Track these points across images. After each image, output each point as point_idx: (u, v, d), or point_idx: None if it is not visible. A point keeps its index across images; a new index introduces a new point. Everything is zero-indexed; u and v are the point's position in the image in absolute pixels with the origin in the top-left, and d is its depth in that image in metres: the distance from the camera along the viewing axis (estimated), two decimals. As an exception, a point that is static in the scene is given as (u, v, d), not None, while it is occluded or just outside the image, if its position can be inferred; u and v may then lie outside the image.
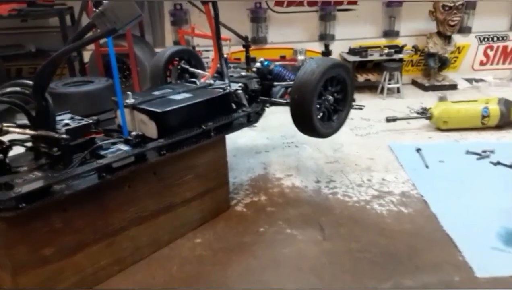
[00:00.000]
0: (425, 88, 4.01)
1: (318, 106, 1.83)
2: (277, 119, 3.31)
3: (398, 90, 3.85)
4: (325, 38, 4.06)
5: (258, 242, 1.74)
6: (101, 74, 3.36)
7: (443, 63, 4.07)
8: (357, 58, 3.84)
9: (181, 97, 1.76)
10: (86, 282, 1.47)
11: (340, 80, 1.89)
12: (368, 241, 1.73)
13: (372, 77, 3.96)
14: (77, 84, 3.05)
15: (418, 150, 2.59)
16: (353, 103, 3.63)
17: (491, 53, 4.33)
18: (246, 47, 2.60)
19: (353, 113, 3.54)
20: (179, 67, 2.37)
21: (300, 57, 3.95)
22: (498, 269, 1.54)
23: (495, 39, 4.27)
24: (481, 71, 4.34)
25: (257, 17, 3.89)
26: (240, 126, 1.92)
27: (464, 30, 4.19)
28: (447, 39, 3.88)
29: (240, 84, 2.04)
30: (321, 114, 1.87)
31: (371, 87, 4.01)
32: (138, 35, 3.83)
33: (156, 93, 1.84)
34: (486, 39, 4.26)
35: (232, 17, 3.73)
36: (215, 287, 1.50)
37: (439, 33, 3.88)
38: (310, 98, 1.72)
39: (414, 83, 4.22)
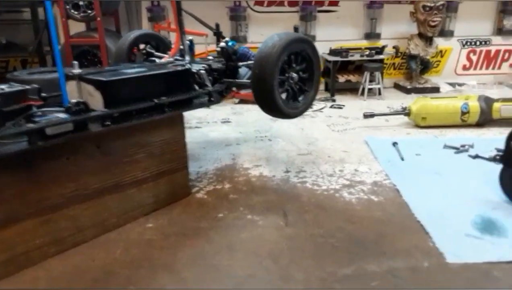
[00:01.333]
0: (407, 91, 3.94)
1: (282, 84, 1.73)
2: (253, 115, 3.22)
3: (380, 92, 3.79)
4: (306, 38, 4.00)
5: (215, 227, 1.61)
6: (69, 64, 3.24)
7: (425, 66, 4.02)
8: (337, 58, 3.77)
9: (133, 70, 1.65)
10: (16, 262, 1.32)
11: (305, 58, 1.79)
12: (333, 227, 1.60)
13: (353, 78, 3.89)
14: (43, 72, 2.93)
15: (395, 144, 2.49)
16: (333, 103, 3.63)
17: (474, 58, 4.30)
18: (218, 35, 2.50)
19: (332, 112, 3.54)
20: (144, 51, 2.27)
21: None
22: (471, 256, 1.42)
23: (478, 43, 4.24)
24: (464, 76, 4.29)
25: (236, 15, 3.82)
26: (201, 105, 1.80)
27: (447, 33, 4.16)
28: (428, 40, 3.83)
29: (203, 65, 1.93)
30: (286, 92, 1.76)
31: (353, 90, 3.94)
32: (114, 30, 3.75)
33: (110, 68, 1.73)
34: (468, 43, 4.23)
35: (211, 14, 3.65)
36: (160, 270, 1.35)
37: (420, 35, 3.84)
38: (271, 73, 1.62)
39: (397, 86, 4.16)
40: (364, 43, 4.06)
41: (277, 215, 1.69)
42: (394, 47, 3.85)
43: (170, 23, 3.41)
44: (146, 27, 3.81)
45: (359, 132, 2.78)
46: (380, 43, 4.04)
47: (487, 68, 4.34)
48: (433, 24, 3.69)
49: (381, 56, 3.77)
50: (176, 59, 2.02)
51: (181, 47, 2.04)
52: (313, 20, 3.97)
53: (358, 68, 3.99)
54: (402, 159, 2.30)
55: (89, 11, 3.15)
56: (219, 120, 3.10)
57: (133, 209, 1.62)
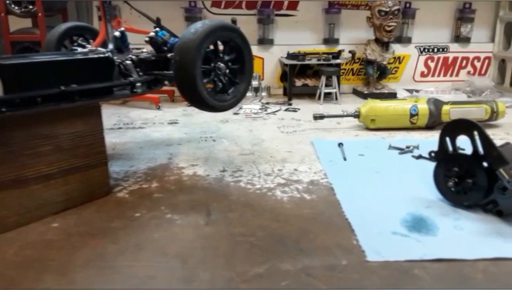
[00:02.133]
0: (364, 96, 3.91)
1: (208, 74, 1.64)
2: (203, 117, 3.13)
3: (336, 97, 3.75)
4: (264, 42, 3.95)
5: (127, 227, 1.48)
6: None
7: (383, 72, 4.02)
8: (294, 62, 3.73)
9: (43, 57, 1.53)
10: None
11: (235, 48, 1.71)
12: (256, 226, 1.50)
13: (310, 82, 3.85)
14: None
15: (340, 144, 2.43)
16: (289, 107, 3.57)
17: (432, 65, 4.33)
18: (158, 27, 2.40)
19: (285, 114, 3.46)
20: (75, 44, 2.15)
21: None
22: (394, 254, 1.34)
23: (435, 50, 4.28)
24: (422, 83, 4.32)
25: (191, 16, 3.74)
26: (122, 95, 1.69)
27: (404, 40, 4.19)
28: (385, 46, 3.83)
29: (130, 56, 1.83)
30: (213, 84, 1.67)
31: (311, 94, 3.88)
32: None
33: (22, 55, 1.60)
34: (426, 50, 4.26)
35: (166, 15, 3.55)
36: (49, 272, 1.22)
37: (377, 40, 3.84)
38: (193, 61, 1.52)
39: (355, 92, 4.14)
40: (323, 48, 4.05)
41: (199, 214, 1.58)
42: (350, 52, 3.84)
43: (119, 22, 3.31)
44: (97, 25, 3.68)
45: (308, 134, 2.71)
46: (342, 49, 4.03)
47: (445, 75, 4.38)
48: (388, 29, 3.70)
49: (337, 61, 3.75)
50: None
51: (116, 34, 1.94)
52: (271, 23, 3.93)
53: (316, 73, 3.95)
54: (345, 159, 2.23)
55: (31, 7, 3.02)
56: (166, 121, 2.99)
57: (38, 207, 1.48)
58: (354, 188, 1.85)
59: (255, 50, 3.98)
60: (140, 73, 1.83)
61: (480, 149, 1.61)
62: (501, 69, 4.36)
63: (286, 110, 3.42)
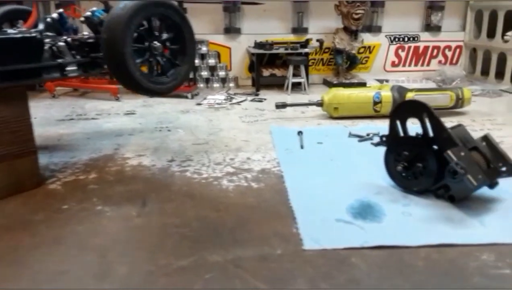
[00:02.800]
0: (333, 86, 3.84)
1: (142, 54, 1.52)
2: (164, 108, 3.02)
3: (305, 87, 3.66)
4: (230, 31, 3.85)
5: (51, 220, 1.37)
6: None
7: (352, 61, 3.95)
8: (260, 51, 3.63)
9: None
10: None
11: (172, 26, 1.60)
12: (193, 216, 1.40)
13: (278, 72, 3.75)
14: None
15: (299, 133, 2.35)
16: (255, 97, 3.48)
17: (402, 54, 4.27)
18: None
19: (250, 105, 3.35)
20: (14, 28, 2.01)
21: (204, 48, 3.70)
22: (334, 241, 1.25)
23: (406, 39, 4.23)
24: (393, 72, 4.26)
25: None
26: (51, 78, 1.57)
27: (374, 29, 4.12)
28: (353, 34, 3.76)
29: (64, 38, 1.71)
30: (148, 65, 1.56)
31: (280, 85, 3.79)
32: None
33: None
34: (397, 39, 4.20)
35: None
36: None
37: (346, 29, 3.76)
38: (122, 38, 1.41)
39: (325, 82, 4.07)
40: (291, 38, 3.96)
41: (133, 206, 1.48)
42: (318, 40, 3.75)
43: (74, 9, 3.16)
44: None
45: (269, 123, 2.62)
46: (310, 38, 3.94)
47: (416, 64, 4.33)
48: (356, 16, 3.62)
49: (305, 50, 3.66)
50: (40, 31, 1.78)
51: (48, 20, 1.81)
52: (237, 11, 3.82)
53: (285, 63, 3.85)
54: (302, 147, 2.15)
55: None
56: (123, 112, 2.86)
57: (-46, 199, 1.36)
58: (305, 176, 1.76)
59: (221, 39, 3.89)
60: (77, 56, 1.72)
61: (430, 132, 1.54)
62: (473, 58, 4.33)
63: (251, 100, 3.32)
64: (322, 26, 4.00)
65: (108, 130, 2.41)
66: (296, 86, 3.69)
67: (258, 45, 3.67)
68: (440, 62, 4.35)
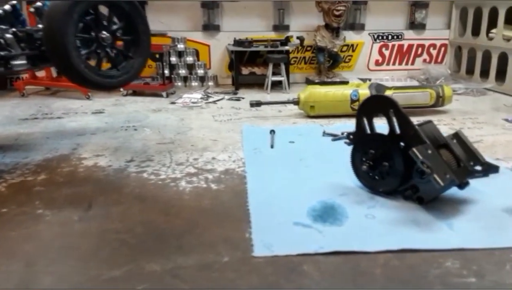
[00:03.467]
0: (313, 84, 3.76)
1: (89, 44, 1.42)
2: (135, 107, 2.91)
3: (285, 85, 3.57)
4: (209, 28, 3.74)
5: (-16, 225, 1.27)
6: None
7: (335, 60, 3.86)
8: (239, 48, 3.53)
9: None
10: None
11: (123, 16, 1.50)
12: (139, 221, 1.30)
13: (258, 70, 3.66)
14: None
15: (272, 131, 2.25)
16: (233, 96, 3.38)
17: (386, 53, 4.19)
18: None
19: (227, 103, 3.24)
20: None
21: (180, 45, 3.60)
22: (287, 247, 1.15)
23: (389, 37, 4.15)
24: (377, 72, 4.17)
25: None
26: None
27: (357, 27, 4.04)
28: (335, 32, 3.67)
29: (13, 30, 1.60)
30: (97, 57, 1.46)
31: (261, 84, 3.69)
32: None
33: None
34: (380, 38, 4.12)
35: None
36: None
37: (327, 26, 3.68)
38: (63, 26, 1.31)
39: (307, 81, 3.97)
40: (273, 35, 3.86)
41: (76, 209, 1.37)
42: (298, 38, 3.66)
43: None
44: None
45: (243, 122, 2.52)
46: (290, 35, 3.85)
47: (400, 63, 4.25)
48: (337, 13, 3.53)
49: (286, 47, 3.57)
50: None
51: (6, 8, 1.71)
52: (216, 8, 3.72)
53: (266, 61, 3.77)
54: (272, 146, 2.05)
55: None
56: (91, 111, 2.75)
57: None
58: (270, 177, 1.66)
59: (200, 36, 3.78)
60: (26, 50, 1.61)
61: (397, 129, 1.45)
62: (458, 56, 4.25)
63: (229, 99, 3.22)
64: (304, 23, 3.91)
65: (70, 130, 2.30)
66: (277, 85, 3.59)
67: (237, 42, 3.57)
68: (424, 60, 4.27)
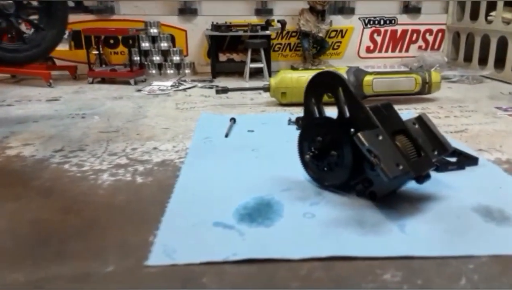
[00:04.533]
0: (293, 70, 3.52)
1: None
2: (95, 94, 2.72)
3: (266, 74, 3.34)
4: (186, 12, 3.52)
5: None
6: None
7: (321, 46, 3.62)
8: (216, 33, 3.31)
9: None
10: None
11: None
12: (29, 220, 1.09)
13: (236, 57, 3.44)
14: None
15: (232, 119, 2.03)
16: (207, 84, 3.16)
17: (378, 39, 3.93)
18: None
19: (197, 91, 3.01)
20: None
21: (154, 30, 3.39)
22: (190, 254, 0.93)
23: (382, 22, 3.88)
24: (369, 59, 3.92)
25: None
26: None
27: (346, 11, 3.78)
28: (320, 15, 3.43)
29: None
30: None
31: (241, 73, 3.45)
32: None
33: None
34: (372, 22, 3.86)
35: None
36: None
37: (311, 9, 3.44)
38: None
39: (293, 68, 3.74)
40: (255, 20, 3.63)
41: (-34, 204, 1.17)
42: (279, 22, 3.42)
43: None
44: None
45: (207, 110, 2.31)
46: (273, 20, 3.61)
47: (393, 50, 3.99)
48: (321, -5, 3.30)
49: (266, 32, 3.34)
50: None
51: None
52: (193, -9, 3.51)
53: (248, 47, 3.53)
54: (226, 136, 1.83)
55: None
56: (47, 98, 2.56)
57: None
58: (210, 169, 1.45)
59: (176, 21, 3.56)
60: None
61: (347, 111, 1.22)
62: (456, 43, 3.98)
63: (202, 87, 3.00)
64: (289, 7, 3.67)
65: (13, 118, 2.10)
66: (260, 74, 3.37)
67: (214, 27, 3.34)
68: (420, 47, 4.01)
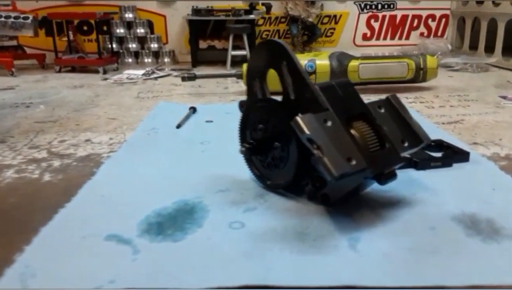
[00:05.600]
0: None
1: None
2: (55, 82, 2.52)
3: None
4: (164, -4, 3.28)
5: None
6: None
7: (312, 32, 3.34)
8: (195, 18, 3.05)
9: None
10: None
11: None
12: None
13: (218, 44, 3.18)
14: None
15: (191, 108, 1.78)
16: (183, 72, 2.91)
17: (376, 25, 3.64)
18: None
19: (168, 80, 2.66)
20: None
21: (129, 15, 3.14)
22: (51, 281, 0.68)
23: (379, 7, 3.59)
24: (365, 47, 3.63)
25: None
26: None
27: (341, -6, 3.50)
28: (309, -2, 3.16)
29: None
30: None
31: (224, 62, 3.18)
32: None
33: None
34: (368, 7, 3.57)
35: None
36: None
37: (300, -9, 3.17)
38: None
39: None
40: (240, 4, 3.36)
41: None
42: (263, 4, 3.15)
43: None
44: None
45: (171, 100, 2.06)
46: (259, 4, 3.34)
47: (392, 38, 3.69)
48: (309, -25, 3.02)
49: (250, 16, 3.07)
50: None
51: None
52: (171, -28, 3.25)
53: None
54: (178, 127, 1.58)
55: None
56: (1, 88, 2.33)
57: None
58: (137, 166, 1.19)
59: (154, 6, 3.31)
60: None
61: (292, 91, 0.95)
62: (461, 29, 3.66)
63: (176, 76, 2.75)
64: (277, -9, 3.40)
65: None
66: (245, 62, 3.10)
67: (194, 11, 3.09)
68: (422, 34, 3.70)
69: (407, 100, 2.02)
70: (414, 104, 1.93)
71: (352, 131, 0.86)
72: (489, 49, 3.17)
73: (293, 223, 0.86)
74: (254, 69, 1.04)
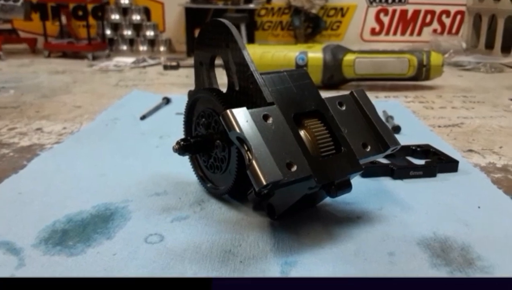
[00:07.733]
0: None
1: None
2: (39, 68, 2.44)
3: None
4: (162, -18, 3.15)
5: None
6: None
7: (316, 25, 3.17)
8: (192, 5, 2.91)
9: None
10: None
11: None
12: None
13: (215, 33, 3.03)
14: None
15: (164, 99, 1.64)
16: (176, 63, 2.78)
17: (385, 20, 3.44)
18: None
19: (157, 69, 2.55)
20: None
21: (124, 1, 3.01)
22: None
23: (390, 0, 3.39)
24: (373, 43, 3.44)
25: None
26: None
27: (348, -14, 3.31)
28: (313, -12, 2.99)
29: None
30: None
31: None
32: None
33: None
34: (378, 0, 3.37)
35: None
36: None
37: (304, -19, 3.00)
38: None
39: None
40: (241, -7, 3.21)
41: None
42: (263, -7, 3.00)
43: None
44: None
45: (151, 89, 1.93)
46: (262, -6, 3.19)
47: (403, 33, 3.48)
48: (313, -37, 2.84)
49: (250, 5, 2.92)
50: None
51: None
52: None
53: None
54: (143, 118, 1.44)
55: None
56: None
57: None
58: (73, 160, 1.05)
59: (151, -7, 3.19)
60: None
61: (236, 81, 0.80)
62: (477, 27, 3.42)
63: (165, 65, 2.61)
64: (281, -21, 3.24)
65: None
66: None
67: (192, -1, 2.96)
68: (435, 31, 3.48)
69: (405, 99, 1.84)
70: (411, 104, 1.76)
71: (302, 132, 0.71)
72: (507, 48, 2.94)
73: (224, 239, 0.71)
74: (199, 54, 0.89)
